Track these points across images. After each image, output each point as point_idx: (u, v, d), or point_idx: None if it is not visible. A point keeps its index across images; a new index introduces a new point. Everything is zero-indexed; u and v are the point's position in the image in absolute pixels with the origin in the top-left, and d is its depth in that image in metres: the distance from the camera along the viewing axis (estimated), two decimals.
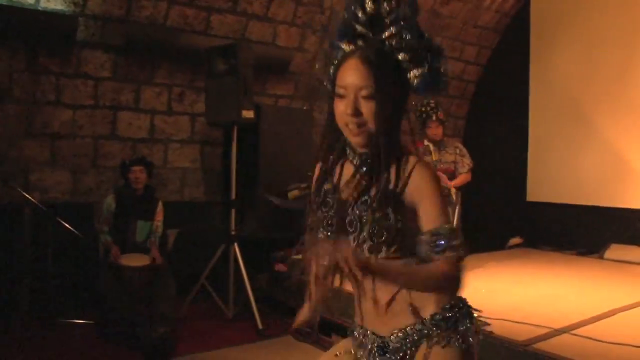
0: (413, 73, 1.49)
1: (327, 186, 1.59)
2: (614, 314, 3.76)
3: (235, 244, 4.73)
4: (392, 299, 1.52)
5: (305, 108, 6.24)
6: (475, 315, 1.62)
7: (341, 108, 1.47)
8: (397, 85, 1.49)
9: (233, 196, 4.84)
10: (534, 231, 6.79)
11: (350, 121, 1.47)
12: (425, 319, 1.52)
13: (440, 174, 5.07)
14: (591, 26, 6.40)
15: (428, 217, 1.47)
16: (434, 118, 5.04)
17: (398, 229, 1.47)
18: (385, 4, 1.48)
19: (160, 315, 4.04)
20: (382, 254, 1.48)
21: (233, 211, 4.83)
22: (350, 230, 1.51)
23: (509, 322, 3.50)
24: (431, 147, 5.20)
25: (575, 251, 6.27)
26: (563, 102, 6.63)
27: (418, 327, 1.52)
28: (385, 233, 1.46)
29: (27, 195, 4.41)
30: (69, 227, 4.39)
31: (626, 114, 6.08)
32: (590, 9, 6.40)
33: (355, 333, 1.66)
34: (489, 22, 7.27)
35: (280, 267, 5.00)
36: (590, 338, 3.24)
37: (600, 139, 6.27)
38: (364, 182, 1.51)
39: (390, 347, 1.55)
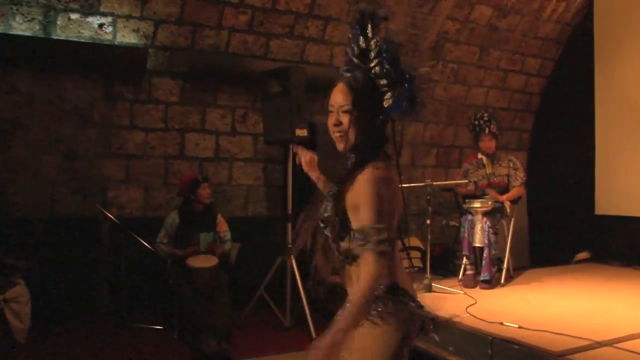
0: (387, 96, 1.83)
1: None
2: None
3: (292, 256, 4.97)
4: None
5: None
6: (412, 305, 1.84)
7: (329, 121, 1.90)
8: (374, 104, 1.84)
9: (289, 211, 5.09)
10: (603, 245, 6.60)
11: (334, 130, 1.89)
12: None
13: (489, 191, 5.10)
14: None
15: (358, 216, 1.76)
16: (486, 131, 5.08)
17: (342, 226, 1.81)
18: (372, 42, 1.85)
19: (214, 328, 4.32)
20: (344, 244, 1.83)
21: (289, 225, 5.08)
22: (322, 226, 1.90)
23: (548, 332, 3.51)
24: (484, 160, 5.24)
25: None
26: (630, 112, 6.44)
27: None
28: (334, 229, 1.83)
29: (104, 211, 4.89)
30: (141, 240, 4.80)
31: None
32: None
33: None
34: (550, 33, 7.19)
35: (335, 278, 5.17)
36: (635, 352, 3.19)
37: None
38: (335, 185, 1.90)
39: None
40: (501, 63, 7.16)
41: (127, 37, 5.27)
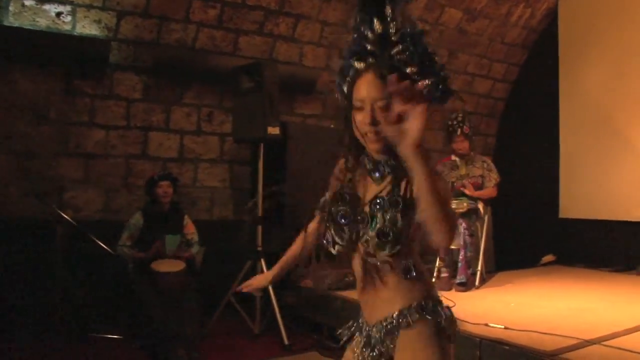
0: (421, 84, 1.55)
1: (345, 183, 1.74)
2: None
3: (262, 260, 4.76)
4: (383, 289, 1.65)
5: (332, 127, 6.28)
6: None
7: (360, 119, 1.60)
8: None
9: (260, 213, 4.89)
10: (568, 248, 6.65)
11: (369, 130, 1.59)
12: (400, 310, 1.62)
13: (466, 182, 5.05)
14: (620, 40, 6.33)
15: None
16: (459, 132, 5.02)
17: (402, 231, 1.57)
18: (392, 24, 1.59)
19: (182, 337, 4.06)
20: (386, 252, 1.58)
21: (260, 228, 4.88)
22: (361, 226, 1.63)
23: (536, 332, 3.43)
24: (458, 161, 5.18)
25: (610, 268, 6.10)
26: (594, 117, 6.54)
27: (390, 319, 1.64)
28: (391, 233, 1.57)
29: (61, 213, 4.55)
30: (101, 244, 4.50)
31: None
32: (620, 23, 6.34)
33: (360, 320, 1.78)
34: (516, 39, 7.26)
35: (307, 282, 5.00)
36: (623, 349, 3.14)
37: (633, 153, 6.14)
38: (378, 185, 1.66)
39: (372, 339, 1.68)
40: (469, 67, 7.17)
41: (87, 28, 4.97)
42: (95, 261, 4.74)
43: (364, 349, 1.70)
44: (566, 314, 4.01)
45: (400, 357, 1.61)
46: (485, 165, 5.20)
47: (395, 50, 1.58)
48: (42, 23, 4.76)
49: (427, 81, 1.55)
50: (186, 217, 4.82)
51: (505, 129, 7.79)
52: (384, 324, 1.64)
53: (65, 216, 4.57)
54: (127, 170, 5.35)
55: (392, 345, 1.63)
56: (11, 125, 4.82)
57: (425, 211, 1.36)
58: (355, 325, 1.79)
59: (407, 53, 1.57)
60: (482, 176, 5.16)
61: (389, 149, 1.57)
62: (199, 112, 5.68)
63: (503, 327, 3.56)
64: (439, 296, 1.69)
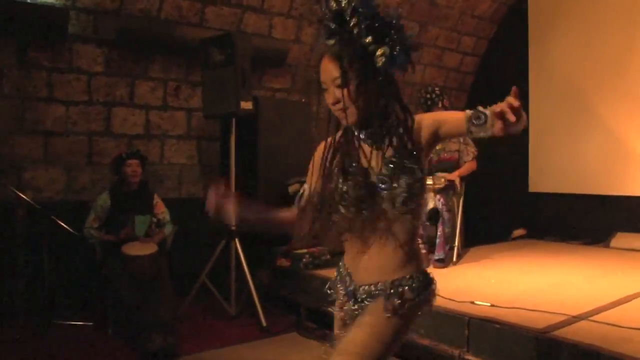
0: (378, 53, 1.62)
1: (343, 159, 1.79)
2: (630, 300, 3.66)
3: (236, 240, 4.60)
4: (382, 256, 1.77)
5: (303, 101, 6.11)
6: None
7: (326, 100, 1.73)
8: (367, 67, 1.64)
9: (233, 190, 4.71)
10: (538, 222, 6.72)
11: (334, 109, 1.72)
12: (392, 280, 1.76)
13: (439, 174, 4.97)
14: (590, 13, 6.33)
15: (454, 116, 1.79)
16: (439, 105, 4.93)
17: (419, 179, 1.72)
18: (344, 1, 1.63)
19: (158, 322, 3.88)
20: (410, 206, 1.71)
21: None
22: (383, 187, 1.71)
23: (523, 310, 3.40)
24: None
25: (580, 241, 6.18)
26: (563, 91, 6.56)
27: (380, 286, 1.76)
28: (415, 183, 1.70)
29: (20, 194, 4.27)
30: (65, 226, 4.25)
31: (627, 101, 6.01)
32: None
33: (341, 269, 1.91)
34: (486, 12, 7.18)
35: (282, 262, 4.87)
36: (611, 324, 3.13)
37: (602, 126, 6.19)
38: (378, 150, 1.74)
39: (357, 297, 1.81)
40: (439, 41, 7.06)
41: None
42: (61, 244, 4.50)
43: (349, 301, 1.84)
44: (548, 290, 4.00)
45: (364, 319, 1.75)
46: (461, 139, 5.12)
47: (350, 24, 1.63)
48: None
49: (380, 51, 1.61)
50: (155, 196, 4.61)
51: (474, 103, 7.61)
52: (373, 288, 1.77)
53: (25, 197, 4.30)
54: (89, 148, 5.07)
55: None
56: None
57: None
58: (339, 280, 1.90)
59: (360, 25, 1.62)
60: (458, 151, 5.10)
61: (365, 120, 1.71)
62: (165, 86, 5.42)
63: (489, 304, 3.51)
64: (426, 271, 1.86)
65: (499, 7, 7.19)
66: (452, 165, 5.07)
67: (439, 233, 4.72)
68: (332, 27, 1.66)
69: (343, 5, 1.63)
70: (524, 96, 6.68)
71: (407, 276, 1.76)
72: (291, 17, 5.86)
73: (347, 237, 1.83)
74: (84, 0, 4.76)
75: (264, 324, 4.34)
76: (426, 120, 1.77)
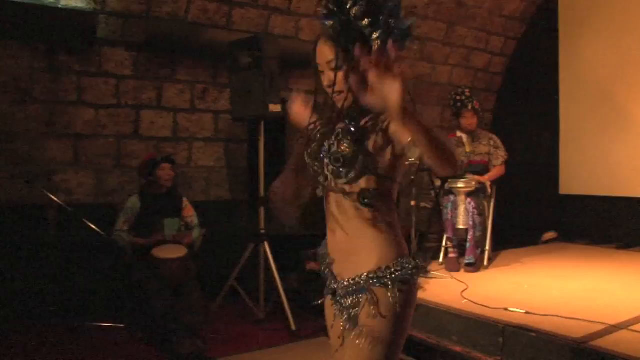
0: (374, 36, 1.59)
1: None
2: None
3: (265, 243, 4.58)
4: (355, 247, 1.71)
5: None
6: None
7: (323, 82, 1.72)
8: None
9: (261, 193, 4.69)
10: (569, 225, 6.58)
11: (330, 91, 1.69)
12: (369, 272, 1.67)
13: (468, 175, 4.91)
14: (622, 12, 6.18)
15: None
16: (469, 107, 4.87)
17: (354, 157, 1.64)
18: None
19: (187, 325, 3.88)
20: (343, 179, 1.68)
21: (262, 209, 4.68)
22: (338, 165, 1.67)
23: (559, 317, 3.32)
24: (464, 138, 5.03)
25: (613, 245, 6.04)
26: (594, 91, 6.41)
27: (357, 280, 1.69)
28: (341, 158, 1.65)
29: (52, 197, 4.31)
30: (96, 228, 4.27)
31: None
32: None
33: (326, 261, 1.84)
34: (514, 12, 7.06)
35: (312, 265, 4.84)
36: None
37: (635, 127, 6.04)
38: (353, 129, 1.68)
39: (339, 293, 1.75)
40: (467, 41, 6.97)
41: (72, 0, 4.66)
42: (91, 246, 4.54)
43: (335, 307, 1.78)
44: (583, 296, 3.91)
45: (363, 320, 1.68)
46: (492, 142, 5.06)
47: (348, 6, 1.62)
48: None
49: (376, 33, 1.59)
50: (185, 199, 4.61)
51: (503, 104, 7.64)
52: (352, 282, 1.70)
53: (57, 200, 4.33)
54: (118, 150, 5.10)
55: (356, 309, 1.70)
56: None
57: (430, 157, 1.49)
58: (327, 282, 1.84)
59: (358, 7, 1.60)
60: (488, 154, 5.02)
61: (358, 104, 1.62)
62: (193, 88, 5.42)
63: (524, 311, 3.44)
64: (410, 255, 1.72)
65: (529, 6, 7.07)
66: (481, 169, 4.99)
67: (469, 237, 4.65)
68: (331, 8, 1.65)
69: None
70: (554, 95, 6.58)
71: (384, 266, 1.66)
72: (318, 18, 5.81)
73: (328, 223, 1.79)
74: (112, 5, 4.78)
75: (293, 327, 4.31)
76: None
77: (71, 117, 4.85)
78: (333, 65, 1.65)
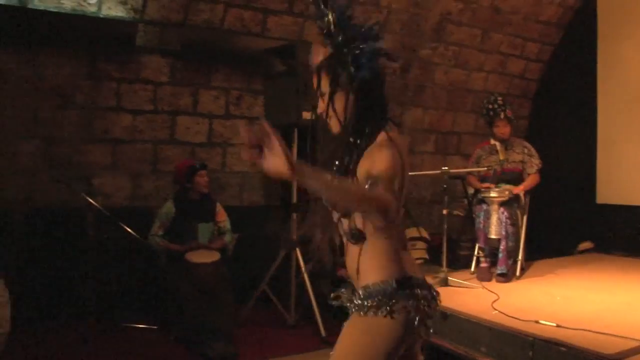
0: (354, 62, 1.70)
1: None
2: None
3: (297, 249, 4.63)
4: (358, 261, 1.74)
5: None
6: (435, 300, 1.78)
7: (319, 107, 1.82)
8: (339, 77, 1.72)
9: (294, 200, 4.74)
10: (605, 235, 6.44)
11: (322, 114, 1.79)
12: (367, 285, 1.71)
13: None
14: None
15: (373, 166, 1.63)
16: (502, 116, 4.82)
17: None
18: (330, 16, 1.73)
19: (218, 329, 3.95)
20: (350, 221, 1.73)
21: (294, 215, 4.73)
22: None
23: (591, 332, 3.26)
24: (498, 146, 4.98)
25: None
26: (634, 98, 6.26)
27: (360, 292, 1.72)
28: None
29: (90, 200, 4.43)
30: (133, 232, 4.38)
31: None
32: None
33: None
34: (551, 17, 6.96)
35: (343, 272, 4.85)
36: None
37: None
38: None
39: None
40: (502, 47, 6.90)
41: (113, 9, 4.79)
42: (127, 249, 4.66)
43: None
44: (618, 310, 3.83)
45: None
46: (525, 150, 5.00)
47: (335, 38, 1.72)
48: (68, 5, 4.59)
49: (355, 60, 1.69)
50: (218, 204, 4.69)
51: (538, 111, 7.54)
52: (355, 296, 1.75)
53: (95, 204, 4.45)
54: (155, 155, 5.21)
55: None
56: (37, 109, 4.70)
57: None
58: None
59: (339, 37, 1.72)
60: (522, 162, 4.96)
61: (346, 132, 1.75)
62: (228, 95, 5.51)
63: (555, 324, 3.39)
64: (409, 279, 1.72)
65: (566, 11, 6.96)
66: (515, 177, 4.94)
67: (501, 247, 4.60)
68: (329, 42, 1.76)
69: (329, 21, 1.73)
70: (591, 103, 6.46)
71: (370, 283, 1.70)
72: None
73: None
74: (151, 14, 4.90)
75: (323, 333, 4.35)
76: (367, 161, 1.69)
77: (110, 122, 4.99)
78: (320, 93, 1.78)
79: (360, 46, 1.69)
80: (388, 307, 1.66)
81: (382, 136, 1.72)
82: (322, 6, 1.74)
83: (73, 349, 4.01)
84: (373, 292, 1.69)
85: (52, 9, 4.53)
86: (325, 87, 1.75)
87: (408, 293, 1.69)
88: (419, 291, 1.72)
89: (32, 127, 4.68)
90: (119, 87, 4.98)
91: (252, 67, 5.34)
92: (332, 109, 1.74)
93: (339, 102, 1.74)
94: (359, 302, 1.70)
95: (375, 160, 1.64)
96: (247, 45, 5.31)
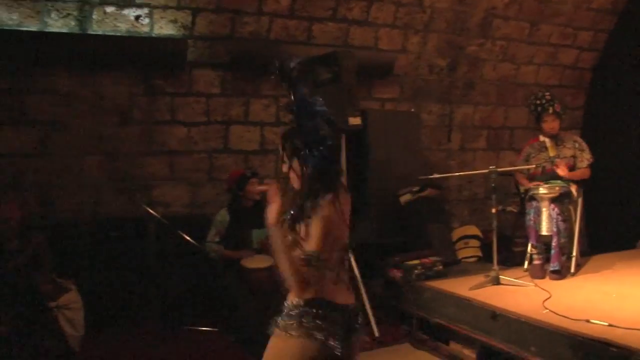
0: (306, 147, 2.14)
1: None
2: None
3: (349, 252, 4.73)
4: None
5: (412, 110, 6.15)
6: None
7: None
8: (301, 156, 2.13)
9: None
10: None
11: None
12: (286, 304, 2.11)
13: (559, 161, 4.79)
14: None
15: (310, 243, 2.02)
16: (550, 111, 4.77)
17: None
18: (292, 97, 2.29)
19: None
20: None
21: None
22: None
23: None
24: (547, 142, 4.93)
25: None
26: None
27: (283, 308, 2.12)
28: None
29: (150, 211, 4.69)
30: (191, 240, 4.60)
31: None
32: None
33: None
34: (604, 4, 6.78)
35: (394, 273, 4.94)
36: None
37: None
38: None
39: None
40: (552, 38, 6.78)
41: (164, 28, 5.04)
42: (186, 255, 4.88)
43: None
44: None
45: None
46: (576, 145, 4.93)
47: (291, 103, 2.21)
48: (123, 27, 4.86)
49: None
50: None
51: (593, 102, 7.34)
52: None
53: (155, 213, 4.70)
54: (210, 164, 5.44)
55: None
56: (99, 127, 5.00)
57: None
58: None
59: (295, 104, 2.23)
60: (574, 157, 4.89)
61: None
62: (277, 102, 5.68)
63: (607, 324, 3.36)
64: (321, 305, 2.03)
65: None
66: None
67: (553, 244, 4.56)
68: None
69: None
70: None
71: (294, 303, 2.08)
72: (396, 27, 5.90)
73: None
74: (200, 29, 5.12)
75: (377, 334, 4.43)
76: (314, 217, 2.05)
77: (166, 135, 5.25)
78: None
79: (314, 133, 2.11)
80: (296, 324, 2.03)
81: (328, 197, 2.06)
82: (288, 89, 2.26)
83: (141, 350, 4.28)
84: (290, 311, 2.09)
85: (109, 33, 4.82)
86: (287, 155, 2.16)
87: (317, 313, 2.01)
88: (327, 313, 2.02)
89: (96, 143, 4.98)
90: (173, 101, 5.23)
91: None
92: (292, 172, 2.14)
93: (297, 167, 2.12)
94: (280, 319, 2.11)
95: (313, 231, 2.02)
96: (294, 53, 5.43)
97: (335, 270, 2.09)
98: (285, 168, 2.18)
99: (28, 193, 4.80)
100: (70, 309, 4.26)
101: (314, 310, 2.01)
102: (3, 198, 4.60)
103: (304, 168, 2.10)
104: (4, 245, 4.30)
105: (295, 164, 2.13)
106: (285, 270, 2.02)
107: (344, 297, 2.10)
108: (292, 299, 2.09)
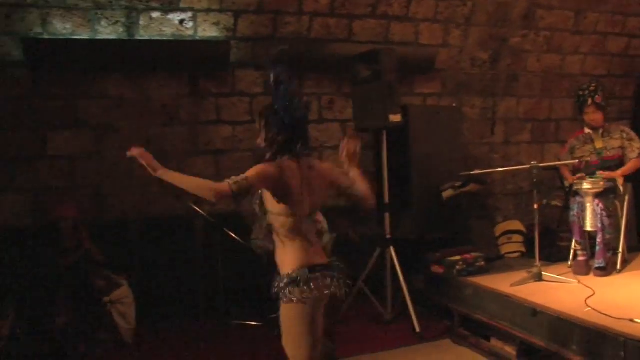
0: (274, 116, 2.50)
1: None
2: None
3: (391, 247, 4.80)
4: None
5: (454, 105, 6.13)
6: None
7: None
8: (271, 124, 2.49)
9: (386, 200, 4.90)
10: None
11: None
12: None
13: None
14: None
15: None
16: (589, 102, 4.68)
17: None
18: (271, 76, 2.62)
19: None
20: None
21: (387, 215, 4.90)
22: None
23: None
24: (592, 134, 4.84)
25: None
26: None
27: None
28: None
29: (197, 209, 4.86)
30: (236, 237, 4.75)
31: None
32: None
33: None
34: None
35: (436, 268, 4.97)
36: None
37: None
38: None
39: None
40: (599, 26, 6.60)
41: (208, 31, 5.18)
42: (233, 252, 5.02)
43: None
44: None
45: None
46: (624, 135, 4.82)
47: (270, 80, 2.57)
48: (168, 31, 5.03)
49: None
50: None
51: None
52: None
53: (202, 212, 4.87)
54: (254, 163, 5.54)
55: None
56: (147, 128, 5.19)
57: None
58: None
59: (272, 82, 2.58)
60: (622, 147, 4.79)
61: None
62: (320, 100, 5.76)
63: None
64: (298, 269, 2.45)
65: None
66: (616, 164, 4.78)
67: (598, 240, 4.50)
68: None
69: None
70: None
71: (282, 275, 2.50)
72: (437, 21, 5.88)
73: None
74: (242, 31, 5.24)
75: (418, 329, 4.49)
76: None
77: (212, 135, 5.41)
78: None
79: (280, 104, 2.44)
80: (288, 293, 2.43)
81: (280, 160, 2.42)
82: (270, 68, 2.54)
83: (189, 344, 4.47)
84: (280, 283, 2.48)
85: (155, 37, 5.00)
86: (260, 126, 2.50)
87: (306, 279, 2.41)
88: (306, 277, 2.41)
89: (144, 143, 5.14)
90: (217, 101, 5.39)
91: (342, 72, 5.53)
92: (262, 140, 2.49)
93: (265, 133, 2.48)
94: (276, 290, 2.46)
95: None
96: (335, 51, 5.52)
97: (307, 238, 2.50)
98: (259, 140, 2.51)
99: (82, 193, 5.05)
100: (123, 304, 4.51)
101: (295, 277, 2.42)
102: (59, 198, 4.87)
103: (269, 134, 2.45)
104: (61, 243, 4.57)
105: (264, 133, 2.47)
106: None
107: (319, 259, 2.51)
108: (281, 273, 2.51)
